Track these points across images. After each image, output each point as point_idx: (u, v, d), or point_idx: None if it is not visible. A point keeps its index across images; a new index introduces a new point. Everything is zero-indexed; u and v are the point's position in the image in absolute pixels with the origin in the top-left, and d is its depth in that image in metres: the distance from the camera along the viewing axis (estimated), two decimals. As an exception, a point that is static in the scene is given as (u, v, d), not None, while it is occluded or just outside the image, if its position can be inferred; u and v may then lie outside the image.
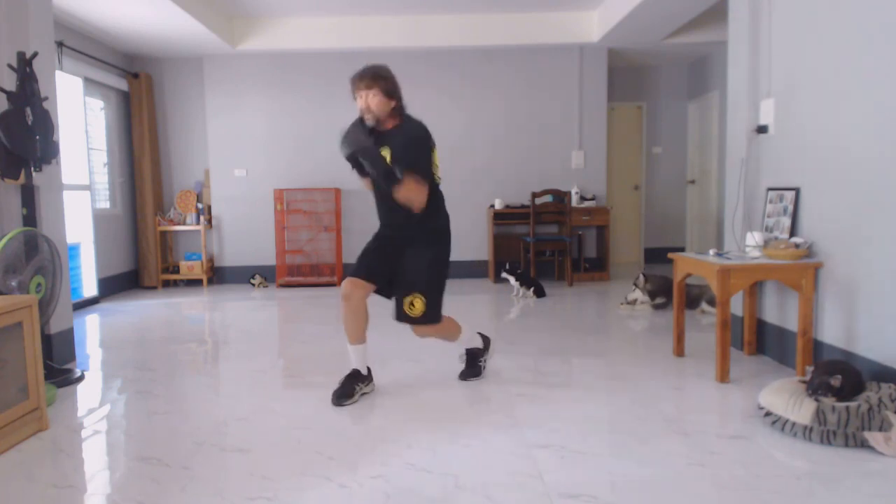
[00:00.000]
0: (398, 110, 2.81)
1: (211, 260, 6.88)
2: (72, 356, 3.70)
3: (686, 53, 7.26)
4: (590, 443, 2.32)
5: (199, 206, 6.77)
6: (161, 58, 6.76)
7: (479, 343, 3.21)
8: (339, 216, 6.71)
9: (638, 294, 4.98)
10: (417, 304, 2.80)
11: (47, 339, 3.43)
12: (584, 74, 6.81)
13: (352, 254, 6.84)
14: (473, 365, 3.18)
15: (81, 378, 3.30)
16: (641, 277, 4.99)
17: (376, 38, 6.47)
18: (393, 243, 2.89)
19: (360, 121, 2.77)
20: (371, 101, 2.74)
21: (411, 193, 2.71)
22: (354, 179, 7.44)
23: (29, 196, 3.26)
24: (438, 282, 2.87)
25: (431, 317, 2.84)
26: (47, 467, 2.23)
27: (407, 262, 2.84)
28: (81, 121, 5.74)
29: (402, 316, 2.84)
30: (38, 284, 3.08)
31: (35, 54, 3.20)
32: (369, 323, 2.89)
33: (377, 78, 2.74)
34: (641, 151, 7.98)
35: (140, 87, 6.48)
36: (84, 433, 2.56)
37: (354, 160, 2.75)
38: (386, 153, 2.72)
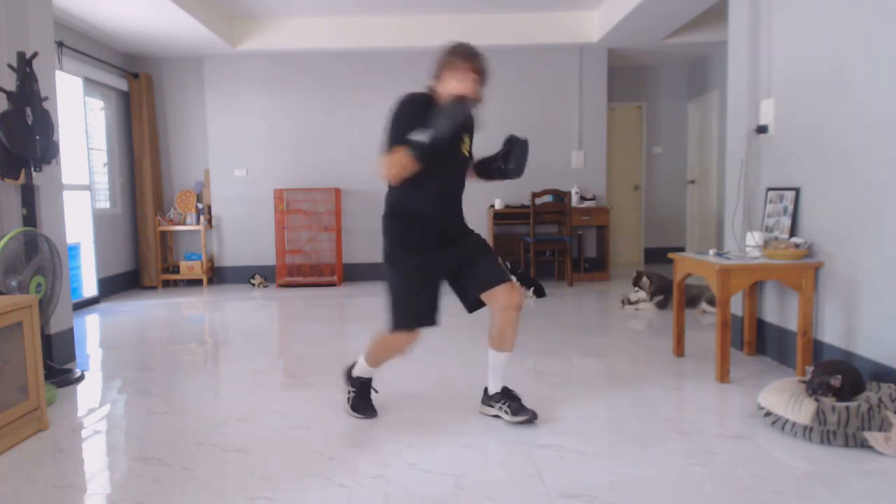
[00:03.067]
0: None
1: (211, 260, 6.88)
2: (72, 356, 3.70)
3: (686, 53, 7.26)
4: (590, 443, 2.32)
5: (199, 206, 6.77)
6: (161, 58, 6.77)
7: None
8: (339, 216, 6.71)
9: (641, 294, 4.98)
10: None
11: (47, 339, 3.43)
12: (584, 74, 6.81)
13: (352, 254, 6.84)
14: (520, 402, 2.62)
15: (81, 378, 3.30)
16: (645, 279, 4.97)
17: (376, 38, 6.47)
18: (448, 244, 2.53)
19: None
20: (476, 90, 2.44)
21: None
22: (354, 179, 7.38)
23: (29, 196, 3.26)
24: None
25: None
26: (47, 467, 2.23)
27: (475, 249, 2.57)
28: (81, 121, 5.74)
29: (506, 276, 2.54)
30: (38, 284, 3.08)
31: (35, 54, 3.20)
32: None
33: (488, 72, 2.49)
34: (641, 151, 7.98)
35: (140, 87, 6.48)
36: (84, 433, 2.56)
37: (449, 137, 2.36)
38: (467, 141, 2.57)
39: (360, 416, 2.67)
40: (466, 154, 2.57)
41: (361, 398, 2.69)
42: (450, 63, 2.43)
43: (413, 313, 2.46)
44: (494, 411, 2.63)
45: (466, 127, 2.50)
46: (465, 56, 2.41)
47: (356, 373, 2.71)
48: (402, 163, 2.35)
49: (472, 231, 2.65)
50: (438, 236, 2.51)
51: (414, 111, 2.40)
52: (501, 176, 2.62)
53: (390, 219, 2.55)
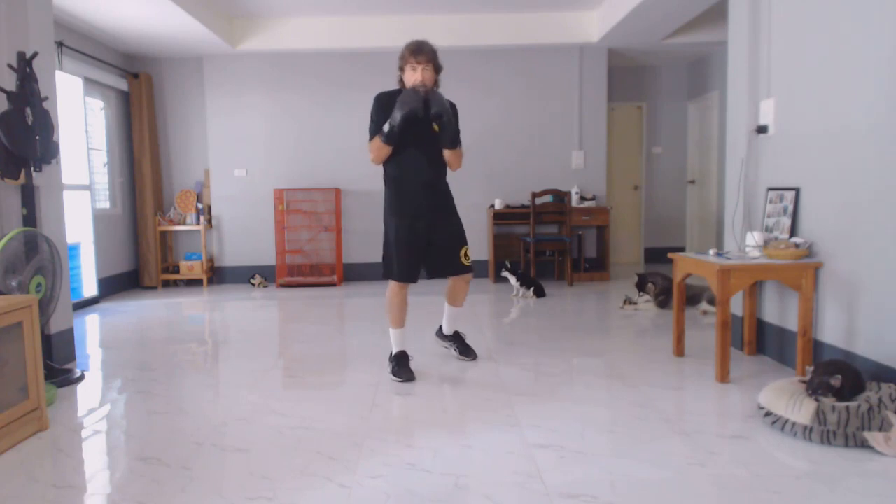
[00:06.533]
0: (436, 85, 3.16)
1: (211, 260, 6.88)
2: (72, 356, 3.70)
3: (686, 53, 7.26)
4: (590, 443, 2.32)
5: (199, 206, 6.77)
6: (161, 58, 6.77)
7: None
8: (339, 216, 6.71)
9: (647, 297, 4.97)
10: (468, 255, 3.30)
11: (47, 339, 3.43)
12: (584, 74, 6.81)
13: (352, 254, 6.85)
14: (466, 344, 3.51)
15: (81, 378, 3.30)
16: (650, 286, 4.94)
17: (376, 38, 6.48)
18: (426, 215, 3.16)
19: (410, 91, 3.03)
20: (426, 75, 3.05)
21: (459, 157, 3.20)
22: (354, 179, 7.39)
23: (29, 196, 3.26)
24: None
25: (470, 265, 3.35)
26: (47, 467, 2.23)
27: (448, 223, 3.24)
28: (81, 121, 5.74)
29: (462, 268, 3.26)
30: (38, 284, 3.08)
31: (35, 54, 3.20)
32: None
33: (434, 55, 3.08)
34: (641, 151, 7.98)
35: (140, 87, 6.48)
36: (84, 433, 2.56)
37: (407, 122, 2.97)
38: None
39: (399, 379, 3.13)
40: (437, 131, 3.12)
41: (399, 365, 3.20)
42: (402, 58, 3.09)
43: (397, 268, 3.15)
44: (445, 345, 3.56)
45: (429, 107, 3.02)
46: (411, 51, 3.05)
47: (393, 350, 3.29)
48: (379, 147, 3.09)
49: (453, 217, 3.27)
50: (415, 201, 3.15)
51: (382, 105, 3.10)
52: (443, 142, 3.13)
53: (385, 187, 3.23)
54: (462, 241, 3.27)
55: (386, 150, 3.09)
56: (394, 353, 3.27)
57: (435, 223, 3.19)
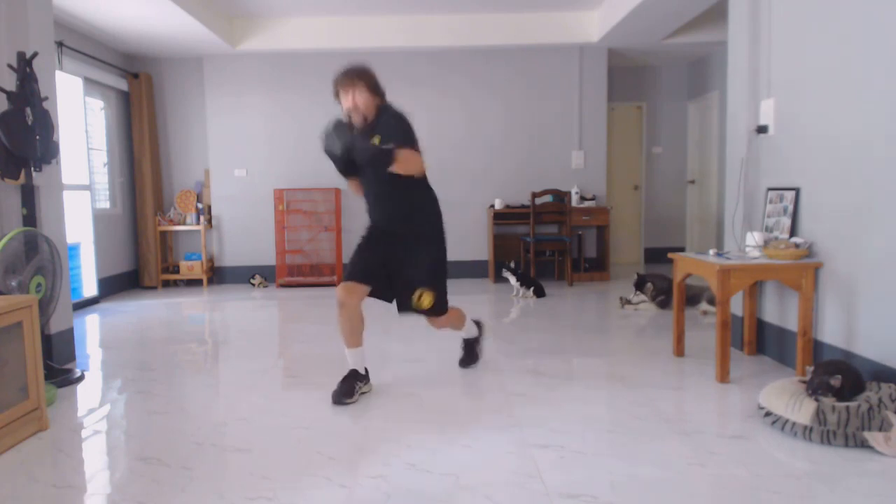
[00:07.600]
0: (383, 106, 2.86)
1: (211, 260, 6.88)
2: (72, 356, 3.70)
3: (686, 53, 7.26)
4: (590, 443, 2.32)
5: (199, 206, 6.77)
6: (161, 58, 6.77)
7: (475, 331, 3.38)
8: (339, 216, 6.71)
9: (643, 297, 4.97)
10: (426, 299, 2.86)
11: (47, 339, 3.43)
12: (584, 74, 6.81)
13: (351, 254, 6.84)
14: (472, 352, 3.36)
15: (81, 378, 3.30)
16: (650, 285, 4.94)
17: (376, 38, 6.47)
18: (389, 240, 2.91)
19: (340, 121, 2.81)
20: (358, 99, 2.78)
21: (409, 163, 2.72)
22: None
23: (29, 196, 3.26)
24: (443, 275, 2.97)
25: (440, 309, 2.93)
26: (47, 467, 2.23)
27: (411, 259, 2.89)
28: (81, 121, 5.74)
29: (409, 309, 2.92)
30: (38, 284, 3.08)
31: (35, 54, 3.20)
32: (365, 326, 2.98)
33: (361, 74, 2.81)
34: (641, 151, 7.98)
35: (140, 87, 6.48)
36: (84, 433, 2.56)
37: (340, 159, 2.74)
38: (376, 140, 2.73)
39: (343, 400, 2.81)
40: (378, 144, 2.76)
41: (344, 383, 2.87)
42: (334, 84, 2.89)
43: (348, 269, 2.94)
44: (473, 359, 3.37)
45: (367, 130, 2.79)
46: (335, 80, 2.87)
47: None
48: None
49: (419, 251, 2.90)
50: (379, 225, 2.95)
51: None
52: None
53: None
54: (420, 284, 2.86)
55: (351, 183, 3.00)
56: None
57: (395, 253, 2.90)
